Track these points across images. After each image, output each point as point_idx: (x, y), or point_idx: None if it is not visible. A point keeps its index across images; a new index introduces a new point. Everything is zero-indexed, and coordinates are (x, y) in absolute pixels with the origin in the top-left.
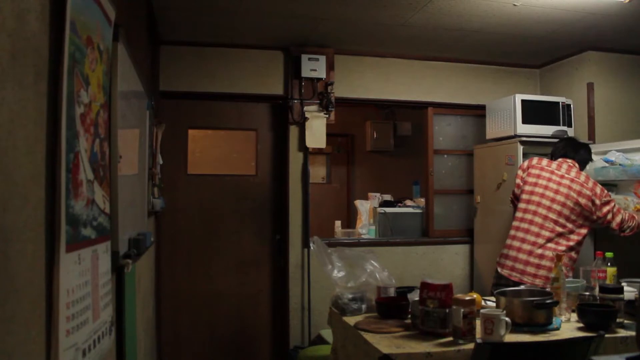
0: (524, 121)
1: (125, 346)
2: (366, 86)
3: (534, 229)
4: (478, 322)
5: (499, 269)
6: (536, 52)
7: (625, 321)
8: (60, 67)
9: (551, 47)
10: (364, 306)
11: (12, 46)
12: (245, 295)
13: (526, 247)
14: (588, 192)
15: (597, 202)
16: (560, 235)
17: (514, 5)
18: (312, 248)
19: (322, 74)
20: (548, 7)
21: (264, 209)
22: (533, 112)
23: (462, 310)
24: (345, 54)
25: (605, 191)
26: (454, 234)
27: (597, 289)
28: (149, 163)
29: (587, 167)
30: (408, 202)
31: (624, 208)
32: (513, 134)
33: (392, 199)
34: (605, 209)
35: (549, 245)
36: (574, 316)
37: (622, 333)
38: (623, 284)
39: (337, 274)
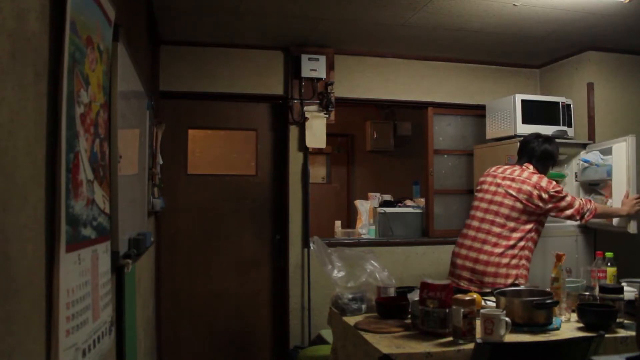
0: (524, 121)
1: (125, 346)
2: (366, 86)
3: (471, 232)
4: (478, 322)
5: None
6: (536, 52)
7: (625, 321)
8: (60, 67)
9: (551, 47)
10: (364, 306)
11: (12, 46)
12: (245, 295)
13: (463, 252)
14: (528, 188)
15: (544, 195)
16: (498, 235)
17: (514, 5)
18: (312, 248)
19: (322, 74)
20: (548, 7)
21: (264, 209)
22: (533, 112)
23: (462, 310)
24: (345, 54)
25: (554, 183)
26: (454, 234)
27: (597, 289)
28: (149, 163)
29: (575, 165)
30: (408, 202)
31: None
32: (513, 134)
33: (392, 199)
34: (555, 199)
35: (486, 248)
36: (574, 316)
37: (622, 333)
38: (623, 284)
39: (337, 274)
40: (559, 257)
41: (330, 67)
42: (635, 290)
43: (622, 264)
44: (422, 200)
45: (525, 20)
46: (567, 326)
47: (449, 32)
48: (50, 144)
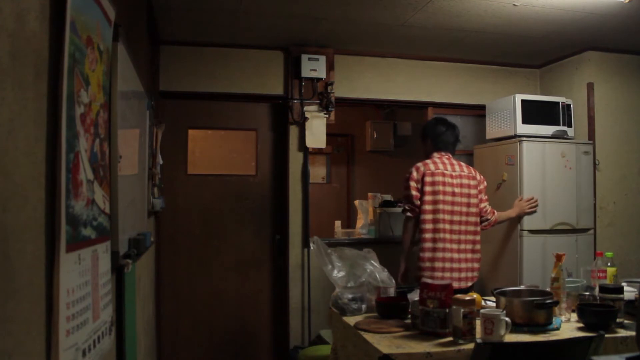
0: (524, 121)
1: (125, 346)
2: (366, 86)
3: (461, 237)
4: (478, 322)
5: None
6: (536, 52)
7: (625, 321)
8: (60, 67)
9: (551, 47)
10: (364, 306)
11: (12, 46)
12: (245, 295)
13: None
14: (481, 186)
15: (482, 186)
16: (475, 241)
17: (514, 5)
18: (312, 248)
19: (322, 74)
20: (548, 7)
21: (264, 209)
22: (533, 112)
23: (462, 310)
24: (345, 54)
25: None
26: None
27: (597, 289)
28: (149, 163)
29: None
30: None
31: None
32: (513, 134)
33: (392, 199)
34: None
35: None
36: (574, 316)
37: (622, 333)
38: (623, 284)
39: (337, 274)
40: (559, 257)
41: (330, 67)
42: (635, 290)
43: (622, 264)
44: None
45: (525, 20)
46: (567, 326)
47: (449, 32)
48: (50, 144)
